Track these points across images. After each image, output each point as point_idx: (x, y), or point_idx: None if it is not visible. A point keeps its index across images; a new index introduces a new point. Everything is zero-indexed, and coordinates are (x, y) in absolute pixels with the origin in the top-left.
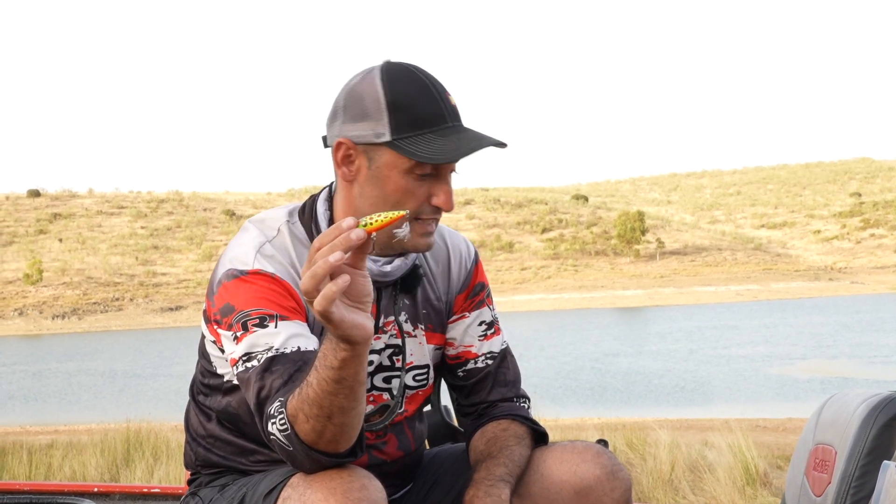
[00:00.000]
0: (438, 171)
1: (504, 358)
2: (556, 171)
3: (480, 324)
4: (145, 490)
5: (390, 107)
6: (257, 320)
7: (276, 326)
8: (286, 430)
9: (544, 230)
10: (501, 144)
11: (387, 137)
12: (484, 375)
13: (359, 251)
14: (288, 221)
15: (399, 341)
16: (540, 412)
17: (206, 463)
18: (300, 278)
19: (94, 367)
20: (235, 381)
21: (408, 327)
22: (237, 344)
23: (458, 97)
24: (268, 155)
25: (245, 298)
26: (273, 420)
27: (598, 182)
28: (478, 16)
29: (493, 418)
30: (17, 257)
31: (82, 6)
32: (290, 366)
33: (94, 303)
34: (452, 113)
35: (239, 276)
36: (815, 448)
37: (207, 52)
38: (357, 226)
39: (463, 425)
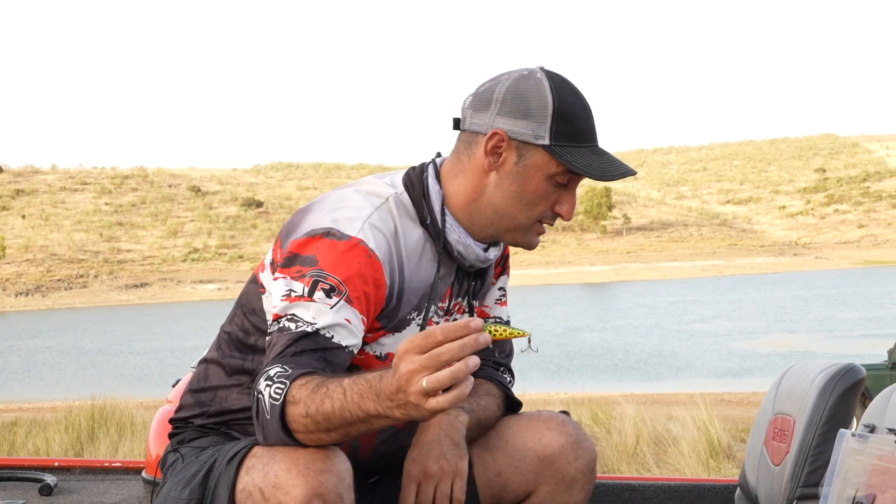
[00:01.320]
0: (571, 183)
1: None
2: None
3: (500, 289)
4: (106, 464)
5: (556, 114)
6: (328, 286)
7: (336, 303)
8: (277, 402)
9: None
10: (634, 173)
11: (545, 141)
12: None
13: None
14: (396, 193)
15: (460, 318)
16: None
17: (210, 418)
18: (400, 251)
19: (58, 344)
20: (271, 325)
21: (467, 306)
22: (291, 301)
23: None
24: (233, 130)
25: (333, 261)
26: (270, 384)
27: None
28: None
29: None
30: None
31: None
32: (313, 345)
33: (58, 280)
34: (597, 135)
35: (340, 238)
36: (774, 418)
37: (171, 26)
38: (483, 329)
39: None
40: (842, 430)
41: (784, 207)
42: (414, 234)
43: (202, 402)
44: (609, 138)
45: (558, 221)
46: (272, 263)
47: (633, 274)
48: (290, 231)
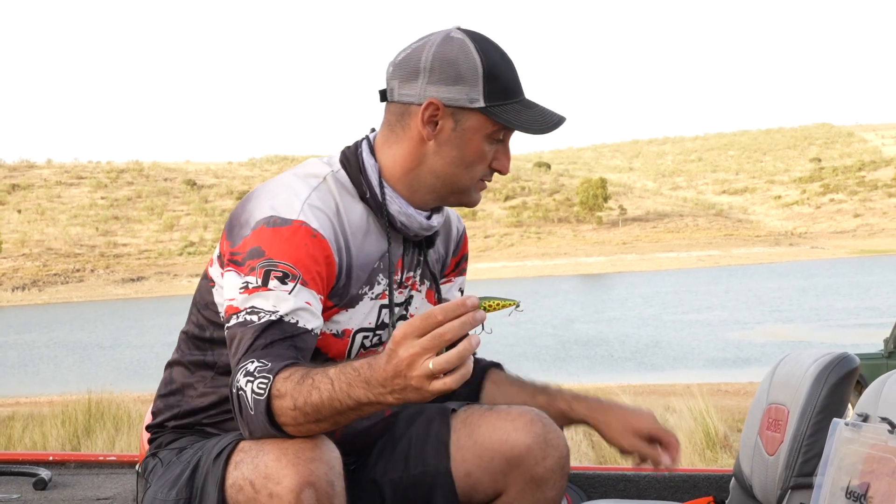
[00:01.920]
0: (505, 139)
1: None
2: (517, 138)
3: (459, 290)
4: (101, 458)
5: (486, 75)
6: (281, 273)
7: (293, 288)
8: (262, 397)
9: (507, 198)
10: (564, 120)
11: (480, 103)
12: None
13: None
14: (332, 171)
15: (414, 293)
16: None
17: (180, 419)
18: (344, 228)
19: (55, 338)
20: (229, 320)
21: (419, 281)
22: (245, 294)
23: None
24: (228, 124)
25: (279, 248)
26: (251, 379)
27: (561, 149)
28: None
29: (486, 368)
30: None
31: None
32: (280, 334)
33: (55, 274)
34: (523, 87)
35: (281, 224)
36: (768, 408)
37: (167, 21)
38: (478, 306)
39: None
40: (835, 419)
41: (780, 197)
42: (356, 210)
43: (171, 405)
44: (604, 129)
45: (554, 212)
46: (219, 257)
47: (629, 265)
48: (234, 224)
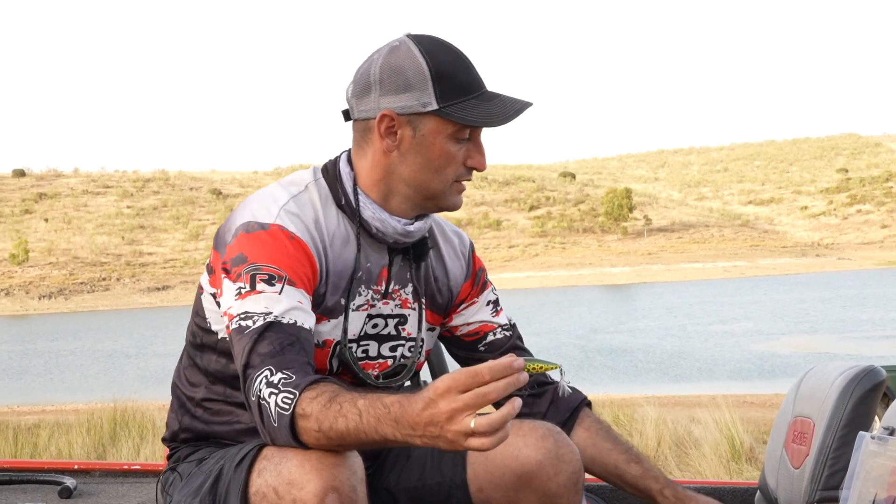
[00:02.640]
0: (474, 135)
1: (516, 329)
2: (543, 148)
3: (488, 303)
4: (126, 467)
5: (435, 77)
6: (266, 276)
7: (281, 289)
8: (286, 412)
9: (532, 208)
10: (529, 104)
11: (434, 106)
12: (511, 346)
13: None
14: (315, 180)
15: (405, 311)
16: None
17: (189, 431)
18: (322, 235)
19: (80, 346)
20: (225, 328)
21: (411, 299)
22: (239, 300)
23: None
24: (254, 134)
25: (261, 252)
26: (275, 392)
27: (586, 159)
28: None
29: (577, 407)
30: (2, 237)
31: None
32: (284, 337)
33: (81, 283)
34: (482, 80)
35: (259, 229)
36: (793, 420)
37: (193, 31)
38: (522, 368)
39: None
40: (861, 432)
41: (806, 208)
42: (335, 219)
43: (180, 419)
44: (629, 139)
45: (579, 222)
46: (208, 266)
47: (654, 275)
48: (220, 235)
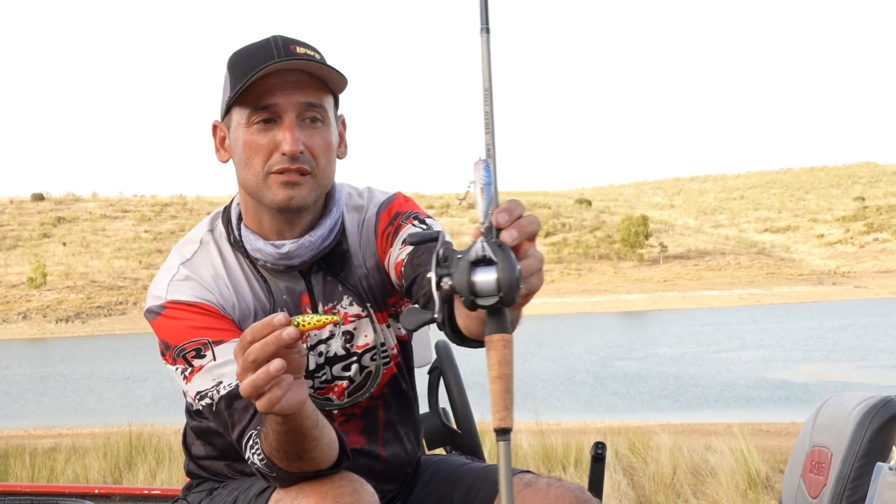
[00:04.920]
0: (279, 117)
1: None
2: (559, 175)
3: (403, 242)
4: (146, 492)
5: (230, 68)
6: (193, 352)
7: (214, 355)
8: (265, 461)
9: (548, 234)
10: (315, 61)
11: (229, 99)
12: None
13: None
14: (210, 230)
15: (348, 326)
16: (542, 416)
17: (196, 475)
18: (221, 288)
19: (97, 370)
20: (196, 406)
21: (354, 309)
22: (188, 383)
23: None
24: None
25: (173, 333)
26: (252, 451)
27: (602, 186)
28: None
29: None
30: (21, 261)
31: (83, 10)
32: (244, 400)
33: (98, 306)
34: (288, 56)
35: (159, 312)
36: (811, 450)
37: (210, 54)
38: (289, 323)
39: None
40: (879, 463)
41: (823, 236)
42: (234, 263)
43: (187, 448)
44: (645, 166)
45: (595, 249)
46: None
47: (670, 302)
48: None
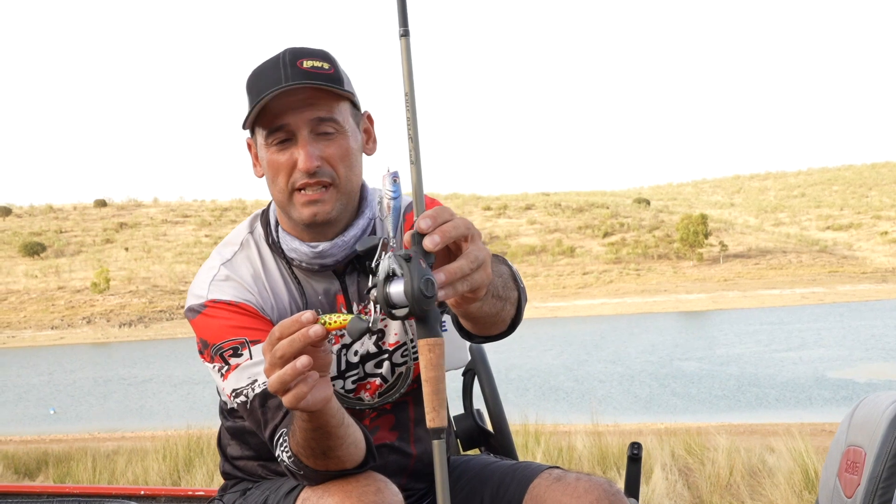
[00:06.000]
0: (294, 136)
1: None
2: (617, 174)
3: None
4: (190, 493)
5: (246, 89)
6: (231, 351)
7: (250, 354)
8: (293, 459)
9: (606, 234)
10: (316, 83)
11: (244, 119)
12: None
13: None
14: (250, 231)
15: (381, 324)
16: (601, 418)
17: (231, 475)
18: (262, 288)
19: (158, 374)
20: (231, 404)
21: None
22: (224, 380)
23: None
24: None
25: (212, 332)
26: (282, 448)
27: (660, 185)
28: (536, 18)
29: None
30: (84, 266)
31: (148, 19)
32: (276, 398)
33: (160, 311)
34: (295, 74)
35: (199, 311)
36: (846, 450)
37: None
38: (317, 321)
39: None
40: None
41: (886, 233)
42: (273, 264)
43: (223, 449)
44: (705, 165)
45: (654, 248)
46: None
47: (730, 302)
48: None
